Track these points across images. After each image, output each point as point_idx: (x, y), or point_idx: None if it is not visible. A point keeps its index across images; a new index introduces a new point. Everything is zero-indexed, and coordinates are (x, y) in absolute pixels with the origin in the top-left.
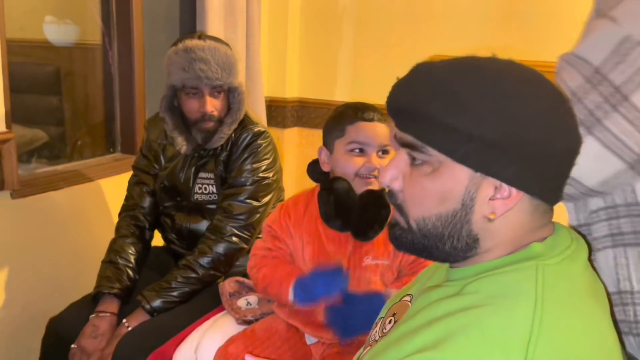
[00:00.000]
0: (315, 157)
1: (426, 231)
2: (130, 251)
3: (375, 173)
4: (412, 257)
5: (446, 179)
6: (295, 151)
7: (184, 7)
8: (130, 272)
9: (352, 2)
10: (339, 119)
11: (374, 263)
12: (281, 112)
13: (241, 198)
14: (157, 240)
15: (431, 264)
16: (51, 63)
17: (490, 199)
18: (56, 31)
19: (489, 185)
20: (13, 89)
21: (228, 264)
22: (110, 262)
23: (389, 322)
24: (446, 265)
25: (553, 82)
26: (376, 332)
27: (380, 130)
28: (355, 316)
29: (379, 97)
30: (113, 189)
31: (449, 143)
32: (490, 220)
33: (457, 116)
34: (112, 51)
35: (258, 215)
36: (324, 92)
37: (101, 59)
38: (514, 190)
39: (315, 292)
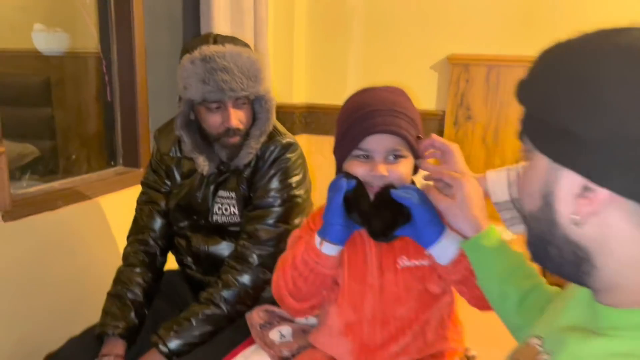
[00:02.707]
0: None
1: (531, 231)
2: (139, 283)
3: (384, 182)
4: None
5: (531, 170)
6: None
7: (187, 5)
8: (138, 308)
9: (361, 1)
10: (341, 126)
11: (410, 264)
12: (289, 118)
13: (269, 221)
14: (171, 263)
15: (553, 290)
16: (41, 73)
17: (576, 196)
18: (45, 40)
19: (570, 179)
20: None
21: (255, 297)
22: (116, 295)
23: None
24: (583, 296)
25: None
26: None
27: (388, 140)
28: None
29: None
30: (115, 206)
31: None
32: (578, 224)
33: (593, 123)
34: (105, 60)
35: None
36: (334, 97)
37: (95, 67)
38: (603, 190)
39: (329, 209)
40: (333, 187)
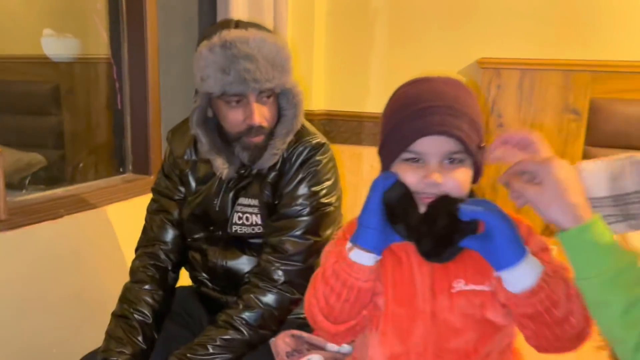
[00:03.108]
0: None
1: None
2: (148, 302)
3: (437, 191)
4: None
5: None
6: None
7: (202, 2)
8: (147, 331)
9: (384, 2)
10: (388, 123)
11: (468, 289)
12: None
13: (297, 233)
14: (184, 279)
15: None
16: (50, 80)
17: None
18: (55, 46)
19: None
20: (6, 109)
21: (281, 320)
22: (122, 316)
23: None
24: None
25: None
26: None
27: (446, 143)
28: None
29: None
30: (123, 215)
31: None
32: None
33: None
34: (116, 65)
35: (318, 255)
36: (355, 104)
37: (106, 73)
38: None
39: (364, 209)
40: (372, 187)
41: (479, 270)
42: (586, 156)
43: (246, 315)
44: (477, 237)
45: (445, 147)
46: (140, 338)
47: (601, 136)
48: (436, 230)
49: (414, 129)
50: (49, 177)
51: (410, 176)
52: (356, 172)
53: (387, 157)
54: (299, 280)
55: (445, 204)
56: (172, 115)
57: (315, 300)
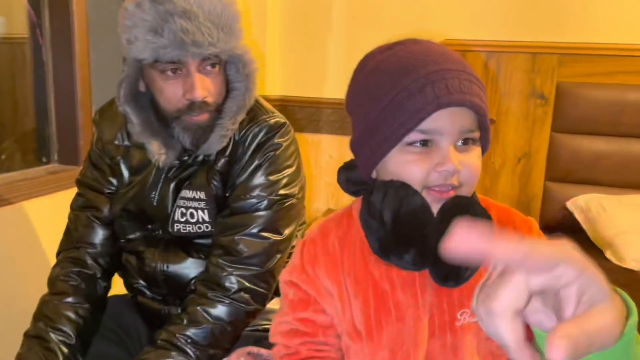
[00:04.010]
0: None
1: None
2: (70, 318)
3: (454, 181)
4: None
5: None
6: None
7: None
8: (69, 355)
9: None
10: (376, 101)
11: (472, 321)
12: None
13: (253, 230)
14: (118, 287)
15: None
16: None
17: None
18: None
19: None
20: None
21: (235, 336)
22: (37, 337)
23: None
24: None
25: None
26: None
27: (464, 117)
28: None
29: None
30: (47, 213)
31: None
32: None
33: None
34: (44, 45)
35: (279, 256)
36: (312, 89)
37: (31, 54)
38: None
39: None
40: None
41: None
42: (552, 143)
43: (192, 332)
44: None
45: (464, 123)
46: None
47: (568, 122)
48: None
49: (426, 99)
50: None
51: (416, 168)
52: (314, 162)
53: (381, 146)
54: (257, 288)
55: (460, 209)
56: (104, 96)
57: None
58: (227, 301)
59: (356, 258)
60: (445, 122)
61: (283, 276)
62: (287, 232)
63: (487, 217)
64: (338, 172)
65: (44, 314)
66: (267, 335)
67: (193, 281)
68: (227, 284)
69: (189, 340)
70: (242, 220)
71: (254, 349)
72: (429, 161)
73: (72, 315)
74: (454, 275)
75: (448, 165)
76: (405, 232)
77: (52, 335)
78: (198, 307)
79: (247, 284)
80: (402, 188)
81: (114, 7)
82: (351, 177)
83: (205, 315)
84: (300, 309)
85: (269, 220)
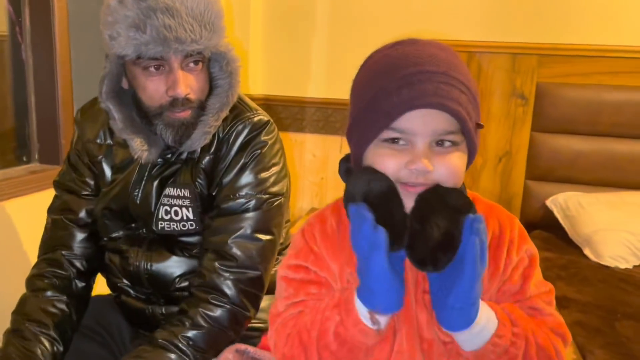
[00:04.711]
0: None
1: None
2: (47, 311)
3: (425, 180)
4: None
5: None
6: None
7: None
8: (46, 344)
9: None
10: (362, 96)
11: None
12: None
13: (246, 233)
14: (102, 287)
15: None
16: None
17: None
18: None
19: None
20: None
21: (232, 341)
22: (14, 331)
23: None
24: None
25: None
26: None
27: (439, 119)
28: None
29: None
30: (27, 213)
31: None
32: None
33: None
34: (24, 43)
35: (272, 258)
36: (295, 88)
37: (10, 52)
38: None
39: (369, 272)
40: (360, 231)
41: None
42: (532, 143)
43: (193, 334)
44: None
45: (438, 125)
46: (37, 352)
47: (547, 121)
48: (430, 230)
49: (400, 99)
50: None
51: (389, 162)
52: (298, 161)
53: (361, 138)
54: (253, 292)
55: (440, 195)
56: (86, 94)
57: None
58: (227, 306)
59: (349, 241)
60: (417, 123)
61: (282, 270)
62: (277, 231)
63: (467, 204)
64: (339, 163)
65: (22, 311)
66: (253, 335)
67: (177, 279)
68: (225, 290)
69: (190, 342)
70: (233, 223)
71: (242, 346)
72: (402, 157)
73: (49, 308)
74: (431, 259)
75: (418, 164)
76: (376, 214)
77: (30, 328)
78: (200, 309)
79: (245, 288)
80: (371, 172)
81: (95, 4)
82: (350, 168)
83: (207, 318)
84: (299, 286)
85: (260, 221)
